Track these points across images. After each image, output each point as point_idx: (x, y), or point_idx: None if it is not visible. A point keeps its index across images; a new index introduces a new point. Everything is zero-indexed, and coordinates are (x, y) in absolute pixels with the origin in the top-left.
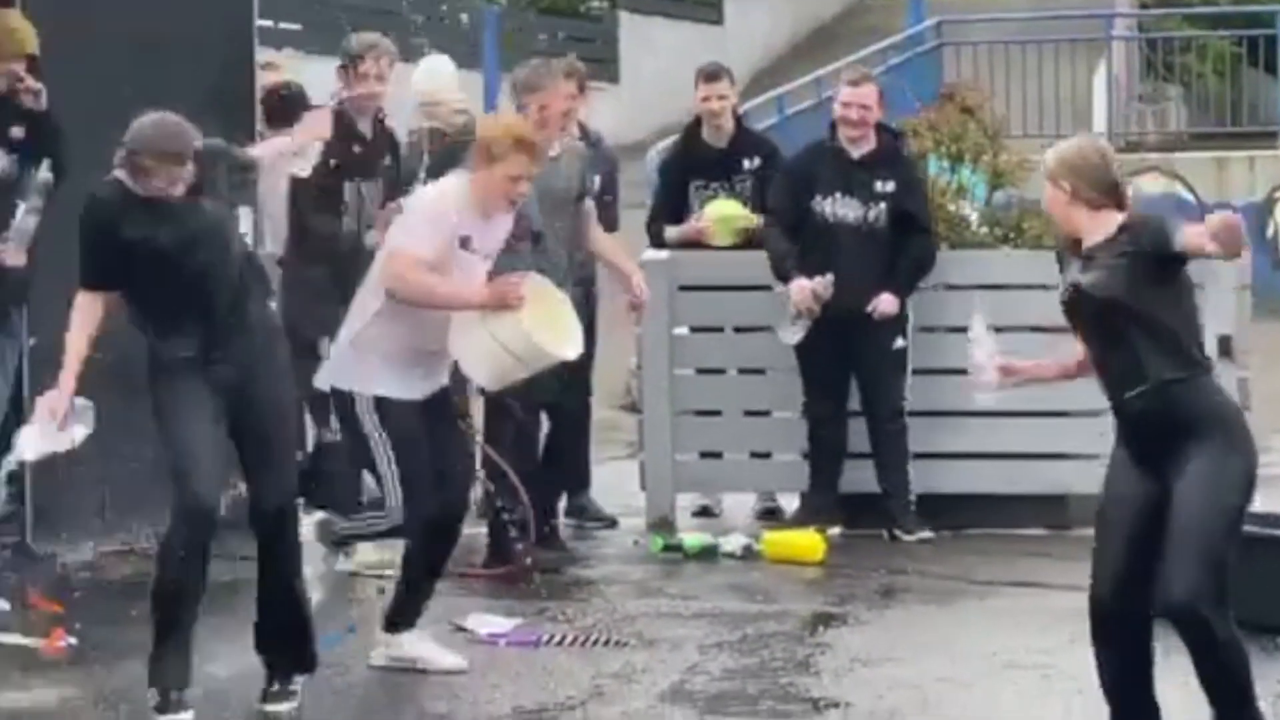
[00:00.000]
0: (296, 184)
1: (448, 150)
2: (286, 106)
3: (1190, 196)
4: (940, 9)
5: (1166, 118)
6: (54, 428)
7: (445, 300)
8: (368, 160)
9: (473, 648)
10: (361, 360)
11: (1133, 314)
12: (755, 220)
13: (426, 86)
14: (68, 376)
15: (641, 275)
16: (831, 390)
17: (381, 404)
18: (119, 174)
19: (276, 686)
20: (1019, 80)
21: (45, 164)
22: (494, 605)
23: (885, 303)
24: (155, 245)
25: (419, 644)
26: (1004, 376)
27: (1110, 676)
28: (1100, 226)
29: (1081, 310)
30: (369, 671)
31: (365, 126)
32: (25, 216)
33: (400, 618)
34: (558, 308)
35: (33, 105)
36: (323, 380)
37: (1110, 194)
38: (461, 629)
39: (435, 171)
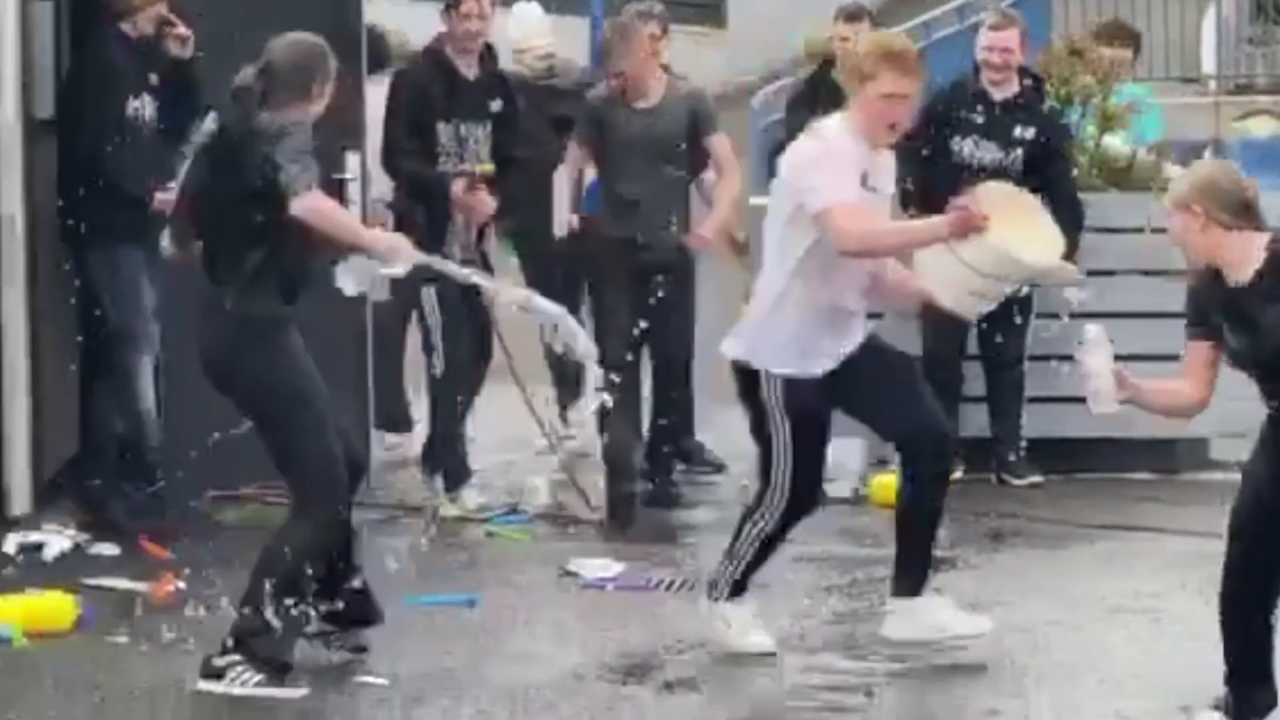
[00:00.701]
0: (387, 128)
1: None
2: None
3: None
4: None
5: (1277, 60)
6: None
7: (897, 240)
8: (470, 101)
9: (580, 592)
10: (770, 336)
11: None
12: None
13: (516, 34)
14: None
15: (715, 225)
16: (951, 334)
17: (788, 385)
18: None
19: (344, 635)
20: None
21: (212, 115)
22: (602, 549)
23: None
24: None
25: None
26: (1119, 389)
27: (1232, 657)
28: (1243, 250)
29: (1259, 356)
30: (471, 617)
31: (467, 67)
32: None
33: (744, 583)
34: (1024, 208)
35: (179, 52)
36: (729, 349)
37: (1243, 215)
38: (569, 573)
39: None
